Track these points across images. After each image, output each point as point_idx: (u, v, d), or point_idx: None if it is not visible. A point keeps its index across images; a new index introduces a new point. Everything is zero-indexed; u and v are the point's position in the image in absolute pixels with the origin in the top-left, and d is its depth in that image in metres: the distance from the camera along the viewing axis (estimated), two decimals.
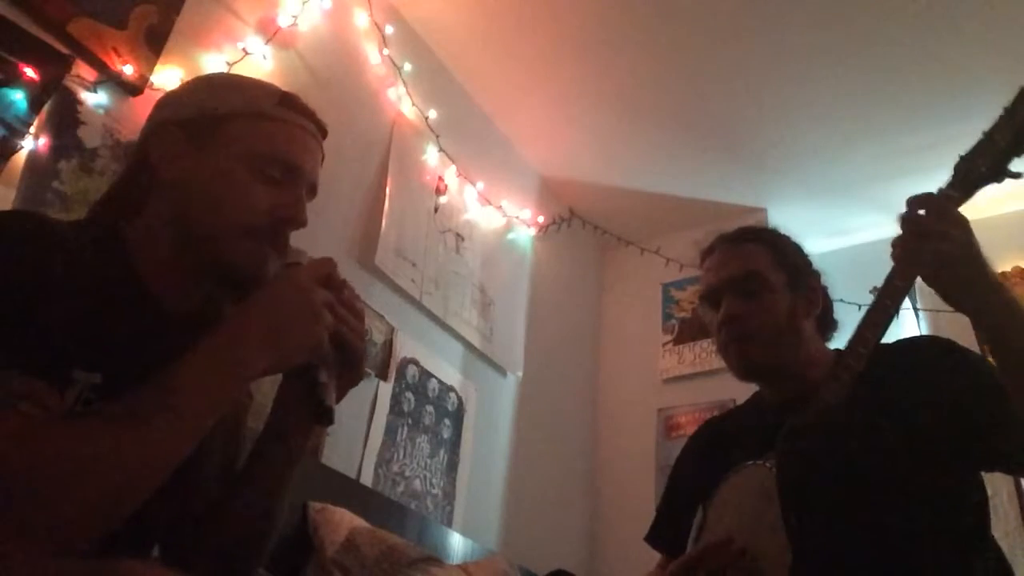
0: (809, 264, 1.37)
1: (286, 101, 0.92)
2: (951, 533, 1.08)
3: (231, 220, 0.86)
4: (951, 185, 1.06)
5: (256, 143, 0.88)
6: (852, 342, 1.08)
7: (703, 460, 1.39)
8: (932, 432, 1.10)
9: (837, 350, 1.28)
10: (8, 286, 0.72)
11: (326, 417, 0.88)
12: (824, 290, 1.36)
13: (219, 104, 0.90)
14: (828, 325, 1.36)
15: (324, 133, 0.97)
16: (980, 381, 1.10)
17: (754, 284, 1.29)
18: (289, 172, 0.89)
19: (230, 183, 0.87)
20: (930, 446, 1.10)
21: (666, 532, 1.40)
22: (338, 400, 0.92)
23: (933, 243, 1.00)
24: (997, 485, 2.72)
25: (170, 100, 0.95)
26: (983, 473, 1.17)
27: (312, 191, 0.94)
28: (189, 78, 1.99)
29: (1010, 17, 2.60)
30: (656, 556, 1.42)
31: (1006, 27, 2.64)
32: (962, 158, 1.07)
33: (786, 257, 1.34)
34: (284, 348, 0.79)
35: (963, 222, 1.03)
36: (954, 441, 1.10)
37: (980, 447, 1.11)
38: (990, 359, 1.11)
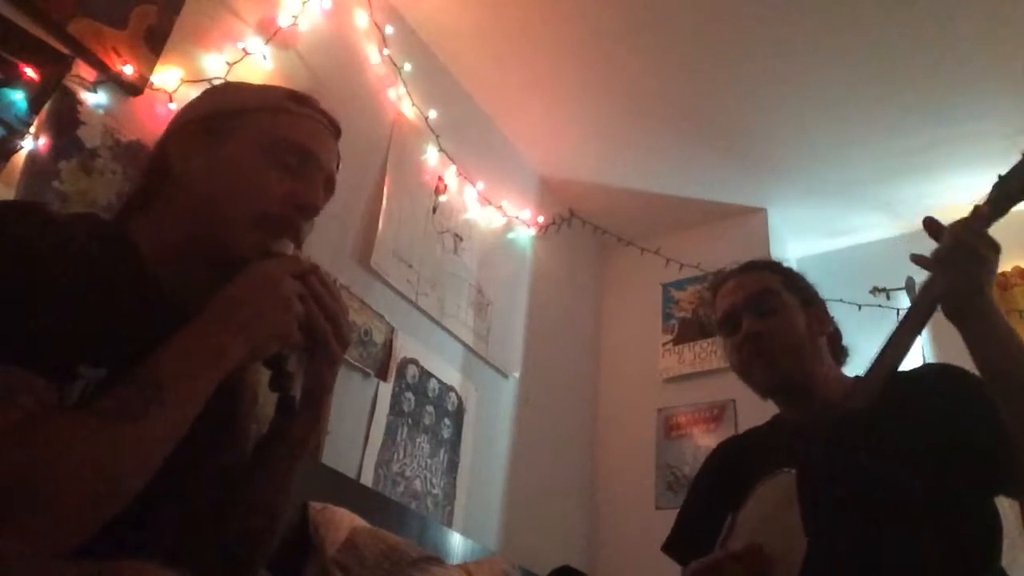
0: (814, 290, 1.42)
1: (297, 97, 0.95)
2: (955, 555, 1.09)
3: (246, 206, 0.87)
4: (987, 202, 1.08)
5: (272, 130, 0.90)
6: (881, 355, 1.10)
7: (724, 475, 1.41)
8: (942, 456, 1.12)
9: (857, 377, 1.29)
10: (9, 279, 0.72)
11: (288, 407, 0.89)
12: (832, 320, 1.40)
13: (234, 100, 0.93)
14: (841, 351, 1.40)
15: (337, 132, 0.98)
16: (987, 411, 1.11)
17: (770, 302, 1.34)
18: (305, 160, 0.91)
19: (246, 169, 0.88)
20: (940, 468, 1.12)
21: (684, 543, 1.42)
22: (329, 385, 0.93)
23: (974, 265, 1.04)
24: None
25: (186, 106, 0.97)
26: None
27: (329, 184, 0.95)
28: (189, 78, 2.03)
29: (1009, 18, 2.60)
30: (658, 560, 1.43)
31: (1005, 29, 2.64)
32: (1001, 177, 1.09)
33: (796, 282, 1.39)
34: (258, 337, 0.80)
35: (999, 249, 1.06)
36: (962, 468, 1.12)
37: (984, 475, 1.13)
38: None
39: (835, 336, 1.40)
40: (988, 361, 1.07)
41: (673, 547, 1.43)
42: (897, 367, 1.09)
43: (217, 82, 2.09)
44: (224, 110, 0.92)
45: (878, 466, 1.14)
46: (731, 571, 1.11)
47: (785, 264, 1.47)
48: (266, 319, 0.81)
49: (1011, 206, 1.07)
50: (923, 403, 1.19)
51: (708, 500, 1.41)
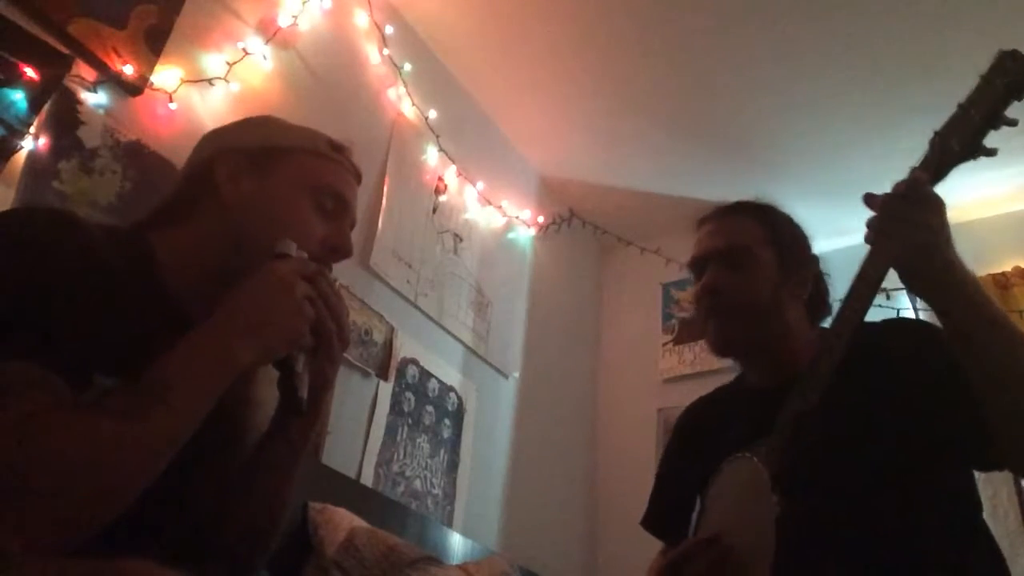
0: (805, 247, 1.34)
1: (336, 146, 1.00)
2: (942, 521, 1.06)
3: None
4: (924, 164, 1.01)
5: (315, 176, 0.96)
6: (828, 335, 1.05)
7: (692, 446, 1.37)
8: (915, 429, 1.07)
9: (823, 330, 1.24)
10: (32, 281, 0.73)
11: (297, 407, 0.90)
12: (818, 276, 1.33)
13: (280, 139, 0.98)
14: (819, 311, 1.32)
15: (360, 180, 1.04)
16: (955, 378, 1.04)
17: (741, 258, 1.25)
18: (340, 205, 0.97)
19: (289, 206, 0.94)
20: (910, 438, 1.07)
21: (660, 517, 1.41)
22: (330, 383, 0.95)
23: (910, 231, 0.97)
24: (997, 485, 2.71)
25: (230, 131, 1.01)
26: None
27: (352, 227, 1.01)
28: (189, 78, 2.03)
29: (1009, 19, 2.60)
30: (654, 543, 1.43)
31: (1005, 29, 2.64)
32: (937, 134, 1.02)
33: (780, 236, 1.30)
34: (268, 340, 0.81)
35: (940, 208, 0.99)
36: (930, 442, 1.07)
37: (955, 444, 1.07)
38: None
39: (818, 294, 1.31)
40: (949, 326, 1.00)
41: (650, 522, 1.42)
42: (841, 357, 1.02)
43: (218, 82, 2.10)
44: (272, 145, 0.96)
45: (843, 447, 1.09)
46: (691, 571, 1.07)
47: (780, 211, 1.36)
48: (279, 323, 0.82)
49: (951, 166, 0.99)
50: (886, 369, 1.12)
51: (678, 472, 1.38)
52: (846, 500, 1.07)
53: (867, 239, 1.02)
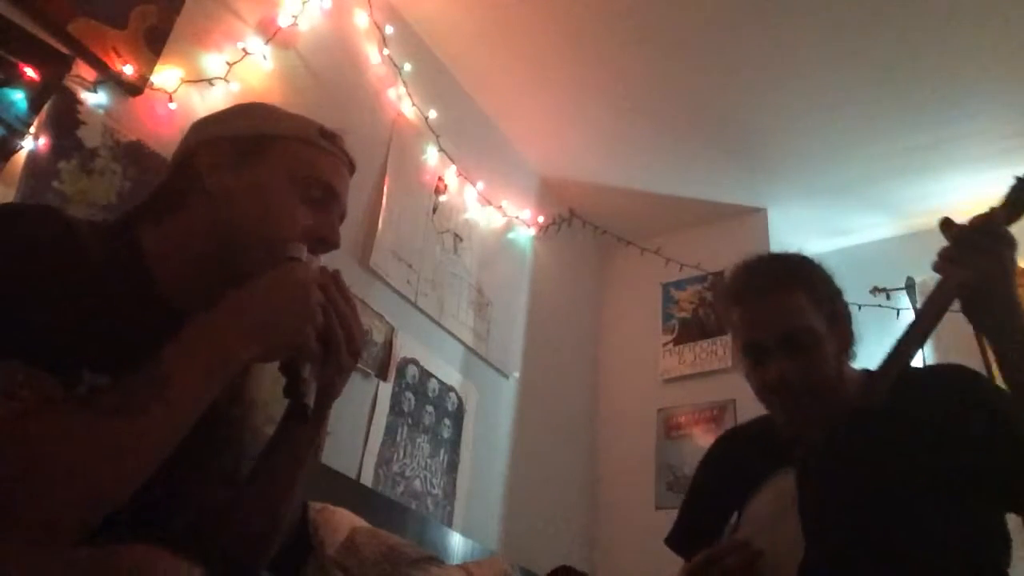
0: (836, 289, 1.31)
1: (326, 134, 0.97)
2: (957, 566, 1.09)
3: (273, 231, 0.89)
4: (1004, 202, 1.08)
5: (302, 165, 0.93)
6: (891, 355, 1.09)
7: (728, 469, 1.39)
8: (951, 467, 1.11)
9: (866, 371, 1.26)
10: (18, 278, 0.72)
11: (302, 413, 0.88)
12: (848, 313, 1.32)
13: (268, 126, 0.95)
14: (851, 344, 1.31)
15: (353, 169, 1.02)
16: (1002, 421, 1.10)
17: (802, 340, 1.21)
18: (328, 195, 0.94)
19: (276, 197, 0.91)
20: (948, 480, 1.11)
21: (686, 537, 1.41)
22: (337, 395, 0.94)
23: (982, 260, 1.03)
24: None
25: (218, 119, 0.98)
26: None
27: (342, 218, 0.98)
28: (189, 78, 2.03)
29: (1008, 18, 2.60)
30: (658, 560, 1.43)
31: (1005, 28, 2.64)
32: (1018, 178, 1.09)
33: (821, 294, 1.26)
34: (270, 342, 0.80)
35: (1013, 244, 1.05)
36: (972, 479, 1.11)
37: (995, 487, 1.12)
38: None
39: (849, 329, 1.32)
40: (1004, 356, 1.06)
41: (675, 541, 1.43)
42: (908, 364, 1.09)
43: (218, 82, 2.10)
44: (260, 133, 0.93)
45: (880, 472, 1.13)
46: (718, 570, 1.10)
47: (806, 260, 1.32)
48: (286, 325, 0.81)
49: (1022, 212, 1.07)
50: (932, 408, 1.16)
51: (711, 494, 1.40)
52: (872, 520, 1.11)
53: (936, 268, 1.08)
